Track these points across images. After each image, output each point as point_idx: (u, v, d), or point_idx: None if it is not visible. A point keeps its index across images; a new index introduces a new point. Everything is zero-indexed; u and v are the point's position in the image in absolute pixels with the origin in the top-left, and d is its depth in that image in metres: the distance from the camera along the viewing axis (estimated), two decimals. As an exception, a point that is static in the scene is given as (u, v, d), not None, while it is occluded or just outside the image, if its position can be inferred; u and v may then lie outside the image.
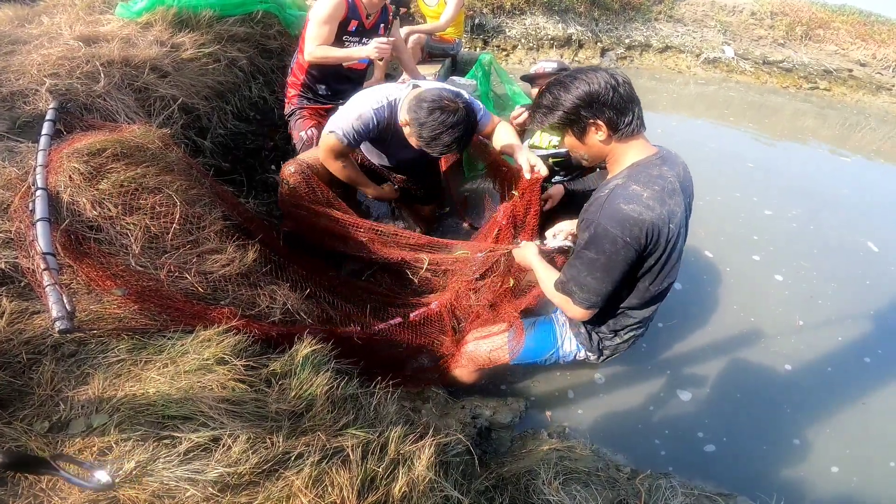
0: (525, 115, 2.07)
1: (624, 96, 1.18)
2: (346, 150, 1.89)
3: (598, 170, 2.41)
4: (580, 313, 1.34)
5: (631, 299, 1.39)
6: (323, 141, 1.88)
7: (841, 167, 4.54)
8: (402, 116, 1.76)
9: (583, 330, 1.56)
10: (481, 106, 1.93)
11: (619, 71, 1.22)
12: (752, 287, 2.72)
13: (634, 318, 1.45)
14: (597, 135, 1.23)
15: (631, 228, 1.16)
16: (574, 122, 1.22)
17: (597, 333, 1.54)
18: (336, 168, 1.93)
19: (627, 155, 1.27)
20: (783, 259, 2.96)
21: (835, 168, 4.50)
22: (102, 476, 0.74)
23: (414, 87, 1.82)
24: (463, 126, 1.66)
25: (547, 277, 1.43)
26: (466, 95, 1.81)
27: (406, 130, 1.77)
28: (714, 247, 3.00)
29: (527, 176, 1.78)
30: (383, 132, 1.89)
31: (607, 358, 1.59)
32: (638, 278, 1.33)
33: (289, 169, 1.92)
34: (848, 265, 2.97)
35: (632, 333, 1.50)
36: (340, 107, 1.91)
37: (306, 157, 2.00)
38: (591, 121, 1.21)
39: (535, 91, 2.32)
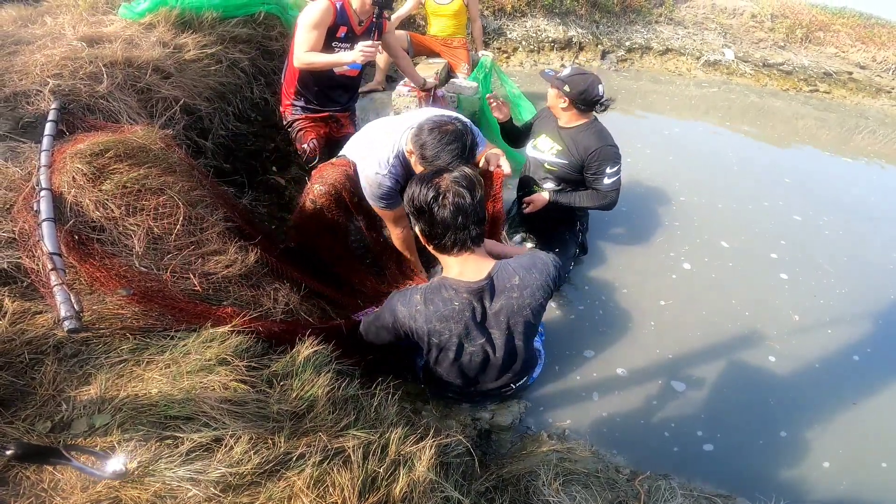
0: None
1: (441, 218, 1.37)
2: (396, 213, 2.00)
3: (590, 190, 2.39)
4: None
5: None
6: (377, 210, 2.02)
7: (864, 175, 4.45)
8: (407, 150, 1.82)
9: None
10: (478, 132, 1.99)
11: (458, 191, 1.37)
12: (759, 281, 2.72)
13: None
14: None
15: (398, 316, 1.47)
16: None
17: None
18: (396, 232, 2.08)
19: (447, 264, 1.48)
20: (802, 261, 2.92)
21: (858, 176, 4.42)
22: (116, 465, 0.74)
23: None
24: (460, 144, 1.71)
25: None
26: (465, 119, 1.86)
27: (412, 160, 1.82)
28: (732, 239, 3.01)
29: (491, 168, 1.99)
30: (405, 181, 1.94)
31: None
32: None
33: (319, 189, 1.96)
34: (871, 276, 2.90)
35: None
36: (353, 120, 1.98)
37: (334, 175, 2.02)
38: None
39: (551, 92, 2.31)
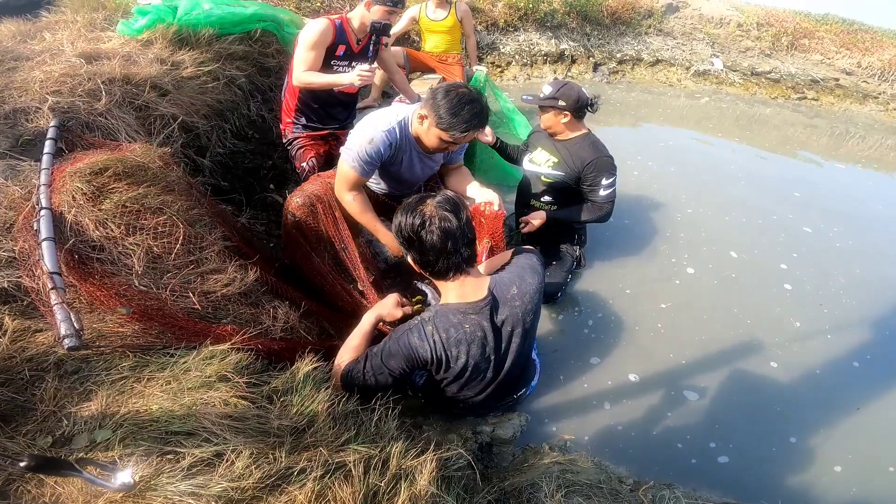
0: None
1: (431, 244, 1.35)
2: (360, 181, 1.86)
3: (586, 203, 2.41)
4: None
5: None
6: (338, 171, 1.87)
7: (868, 185, 4.50)
8: (418, 115, 1.77)
9: None
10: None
11: (444, 221, 1.35)
12: (764, 289, 2.74)
13: None
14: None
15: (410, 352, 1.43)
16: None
17: None
18: (346, 201, 1.88)
19: (446, 290, 1.47)
20: (811, 272, 2.92)
21: (862, 186, 4.45)
22: (125, 477, 0.75)
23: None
24: (479, 102, 1.69)
25: None
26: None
27: (423, 128, 1.78)
28: (741, 250, 3.03)
29: (488, 210, 1.95)
30: (395, 154, 1.89)
31: None
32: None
33: (295, 201, 1.91)
34: (880, 288, 2.89)
35: None
36: (350, 131, 1.89)
37: (312, 188, 1.97)
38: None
39: (546, 115, 2.36)
